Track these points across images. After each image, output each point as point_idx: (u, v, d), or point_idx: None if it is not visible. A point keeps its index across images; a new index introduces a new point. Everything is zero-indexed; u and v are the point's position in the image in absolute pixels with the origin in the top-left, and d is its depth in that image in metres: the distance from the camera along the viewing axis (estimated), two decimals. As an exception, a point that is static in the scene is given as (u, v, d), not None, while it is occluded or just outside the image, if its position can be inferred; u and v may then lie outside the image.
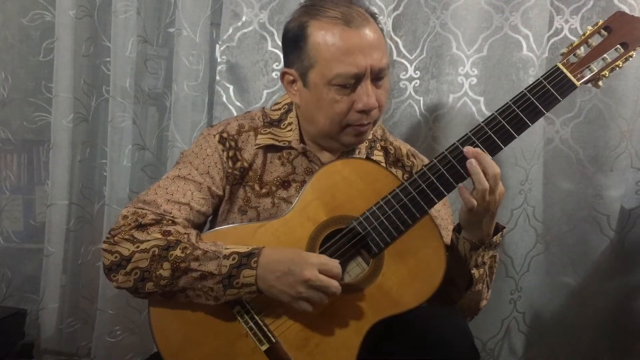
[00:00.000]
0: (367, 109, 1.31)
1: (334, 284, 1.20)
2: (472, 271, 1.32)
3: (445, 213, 1.48)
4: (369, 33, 1.30)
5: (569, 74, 1.28)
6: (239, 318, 1.28)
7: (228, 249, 1.25)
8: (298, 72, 1.35)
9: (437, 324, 1.28)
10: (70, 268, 2.18)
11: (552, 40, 1.88)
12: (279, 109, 1.47)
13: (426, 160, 1.50)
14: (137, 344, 2.13)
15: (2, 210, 2.23)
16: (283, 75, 1.40)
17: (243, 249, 1.25)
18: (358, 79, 1.30)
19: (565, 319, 1.99)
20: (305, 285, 1.20)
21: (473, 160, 1.24)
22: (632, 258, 1.94)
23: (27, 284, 2.23)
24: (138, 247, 1.26)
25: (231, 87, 1.95)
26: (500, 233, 1.34)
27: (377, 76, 1.31)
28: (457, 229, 1.35)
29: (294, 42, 1.34)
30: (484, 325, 1.99)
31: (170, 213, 1.33)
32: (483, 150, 1.26)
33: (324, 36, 1.30)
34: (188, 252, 1.25)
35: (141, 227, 1.29)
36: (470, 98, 1.88)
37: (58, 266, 2.13)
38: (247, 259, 1.23)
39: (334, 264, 1.22)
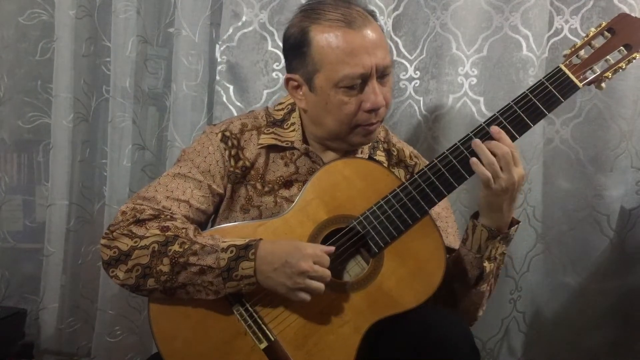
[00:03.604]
0: (375, 108, 1.32)
1: (328, 273, 1.23)
2: (485, 264, 1.31)
3: (446, 216, 1.47)
4: (371, 32, 1.30)
5: (571, 75, 1.28)
6: (238, 316, 1.28)
7: (225, 242, 1.25)
8: (303, 77, 1.35)
9: (437, 323, 1.27)
10: (70, 268, 2.18)
11: (552, 41, 1.87)
12: (282, 108, 1.46)
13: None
14: (137, 344, 2.13)
15: (1, 211, 2.22)
16: (287, 81, 1.39)
17: (240, 241, 1.25)
18: (364, 79, 1.30)
19: (565, 319, 1.99)
20: (302, 276, 1.21)
21: (477, 141, 1.24)
22: (632, 258, 1.93)
23: (27, 284, 2.23)
24: (137, 242, 1.27)
25: (231, 87, 1.95)
26: (516, 226, 1.32)
27: (382, 74, 1.32)
28: (475, 216, 1.33)
29: (297, 47, 1.34)
30: (484, 325, 1.99)
31: (170, 209, 1.33)
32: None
33: (327, 39, 1.29)
34: (186, 246, 1.25)
35: (139, 222, 1.29)
36: (470, 98, 1.88)
37: (58, 266, 2.13)
38: (244, 251, 1.23)
39: (325, 258, 1.23)
